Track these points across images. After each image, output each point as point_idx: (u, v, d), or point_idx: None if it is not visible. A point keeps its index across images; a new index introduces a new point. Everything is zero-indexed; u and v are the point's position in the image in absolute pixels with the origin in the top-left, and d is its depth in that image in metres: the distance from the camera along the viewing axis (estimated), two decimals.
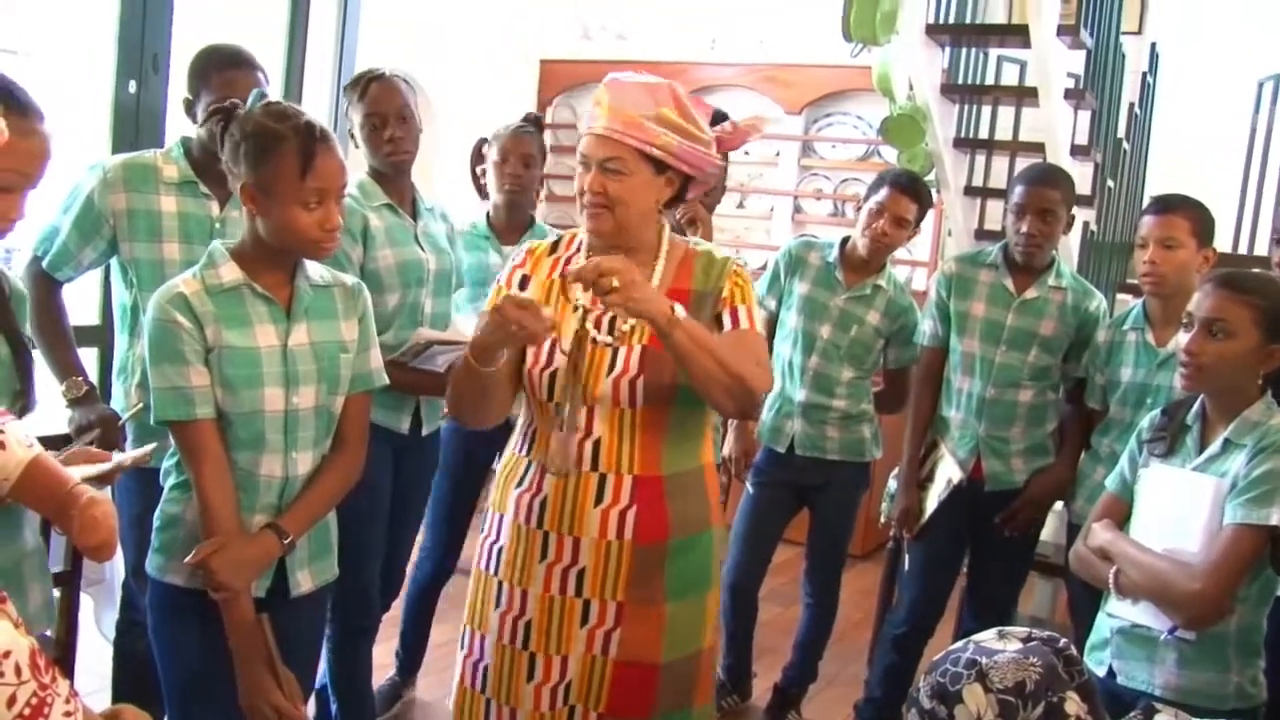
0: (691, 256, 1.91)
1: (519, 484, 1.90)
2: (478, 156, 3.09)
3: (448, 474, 3.00)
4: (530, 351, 1.86)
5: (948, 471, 2.93)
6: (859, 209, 3.08)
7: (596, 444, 1.84)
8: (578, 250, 1.94)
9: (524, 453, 1.92)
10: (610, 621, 1.86)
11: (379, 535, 2.60)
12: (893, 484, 3.10)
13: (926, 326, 3.01)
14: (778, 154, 5.92)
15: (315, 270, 1.92)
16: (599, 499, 1.83)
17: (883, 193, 2.98)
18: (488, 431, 2.00)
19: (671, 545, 1.86)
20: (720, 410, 1.82)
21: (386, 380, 2.04)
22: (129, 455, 1.85)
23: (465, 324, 2.69)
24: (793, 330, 3.13)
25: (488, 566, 1.94)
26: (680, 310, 1.71)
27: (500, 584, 1.92)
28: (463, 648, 1.96)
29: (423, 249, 2.60)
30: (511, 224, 3.11)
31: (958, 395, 2.94)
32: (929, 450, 3.02)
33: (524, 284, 1.93)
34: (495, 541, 1.94)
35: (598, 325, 1.85)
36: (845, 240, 3.12)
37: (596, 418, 1.83)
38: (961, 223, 4.20)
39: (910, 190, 2.98)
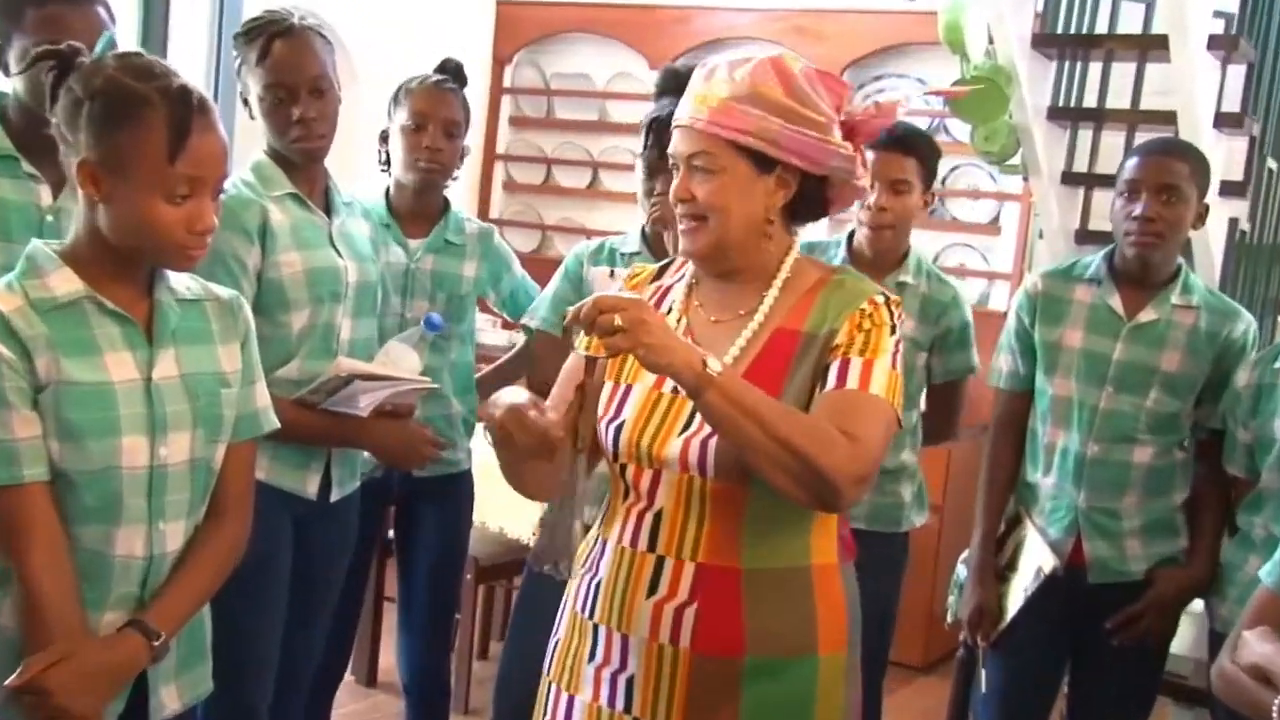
0: (822, 285, 1.94)
1: (584, 564, 1.99)
2: (383, 139, 3.11)
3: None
4: (605, 393, 1.94)
5: (1037, 557, 2.94)
6: None
7: (658, 518, 1.90)
8: (681, 279, 2.02)
9: (597, 525, 2.01)
10: None
11: (272, 635, 2.61)
12: (962, 571, 3.10)
13: (1003, 363, 3.04)
14: None
15: (179, 280, 1.93)
16: (653, 588, 1.89)
17: (867, 160, 3.00)
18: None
19: (748, 665, 1.87)
20: (791, 500, 1.81)
21: (275, 423, 2.06)
22: None
23: (399, 354, 2.72)
24: None
25: (546, 666, 2.05)
26: (715, 364, 1.73)
27: (550, 686, 2.02)
28: None
29: (339, 254, 2.62)
30: (420, 211, 3.13)
31: (1048, 454, 2.95)
32: (1010, 527, 3.04)
33: None
34: (555, 634, 2.04)
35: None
36: (851, 234, 3.16)
37: (662, 484, 1.89)
38: (1057, 221, 4.22)
39: (899, 143, 2.99)
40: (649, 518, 1.90)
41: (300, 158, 2.58)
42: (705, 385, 1.71)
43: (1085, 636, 2.95)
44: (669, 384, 1.88)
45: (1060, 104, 4.24)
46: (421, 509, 3.23)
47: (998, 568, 3.01)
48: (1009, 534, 3.03)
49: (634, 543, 1.91)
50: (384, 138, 3.14)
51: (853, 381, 1.83)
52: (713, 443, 1.83)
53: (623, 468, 1.92)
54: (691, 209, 1.88)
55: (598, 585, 1.95)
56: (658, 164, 2.56)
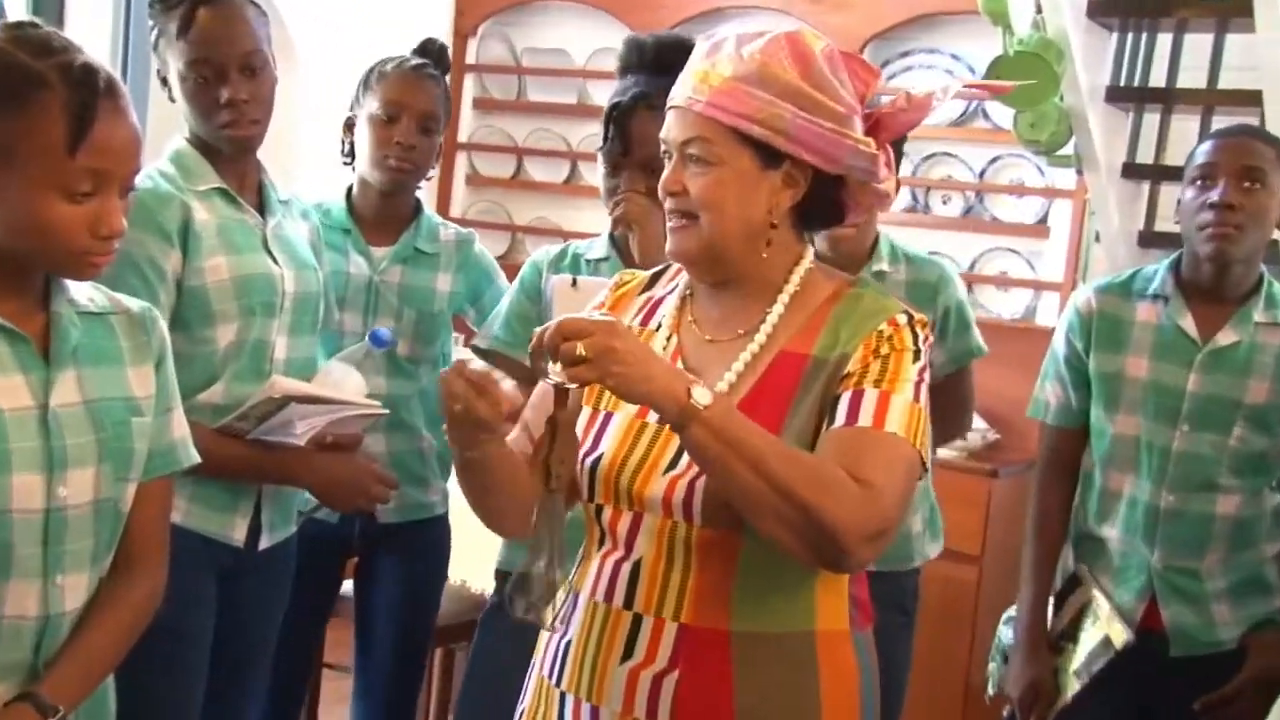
0: (835, 300, 1.93)
1: (555, 620, 1.97)
2: (348, 128, 3.10)
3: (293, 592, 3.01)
4: (583, 421, 1.93)
5: (1103, 625, 2.91)
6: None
7: (636, 569, 1.89)
8: (674, 290, 2.04)
9: (572, 576, 2.01)
10: None
11: (190, 708, 2.59)
12: (1005, 634, 3.09)
13: (1050, 394, 3.03)
14: None
15: (81, 290, 1.94)
16: (628, 652, 1.88)
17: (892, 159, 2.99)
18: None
19: None
20: (789, 554, 1.79)
21: (195, 456, 2.06)
22: None
23: (342, 375, 2.72)
24: None
25: None
26: (702, 394, 1.72)
27: None
28: None
29: (274, 260, 2.62)
30: (387, 215, 3.13)
31: (1111, 502, 2.94)
32: (1069, 586, 3.01)
33: None
34: (521, 701, 2.06)
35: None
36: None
37: (642, 530, 1.89)
38: (1117, 221, 4.22)
39: None
40: (626, 568, 1.90)
41: (230, 147, 2.58)
42: (690, 419, 1.71)
43: (1160, 717, 2.93)
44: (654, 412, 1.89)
45: (1121, 83, 4.24)
46: (385, 561, 3.23)
47: (1053, 636, 2.99)
48: (1066, 595, 3.01)
49: (608, 597, 1.91)
50: (349, 126, 3.13)
51: (866, 418, 1.81)
52: (701, 483, 1.83)
53: (598, 509, 1.93)
54: (682, 204, 1.87)
55: (567, 646, 1.95)
56: (621, 158, 2.59)
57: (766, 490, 1.72)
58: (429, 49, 3.12)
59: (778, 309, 1.92)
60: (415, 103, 3.01)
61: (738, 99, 1.83)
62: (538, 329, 1.74)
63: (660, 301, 2.04)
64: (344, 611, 3.44)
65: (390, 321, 3.05)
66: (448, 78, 3.15)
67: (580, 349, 1.67)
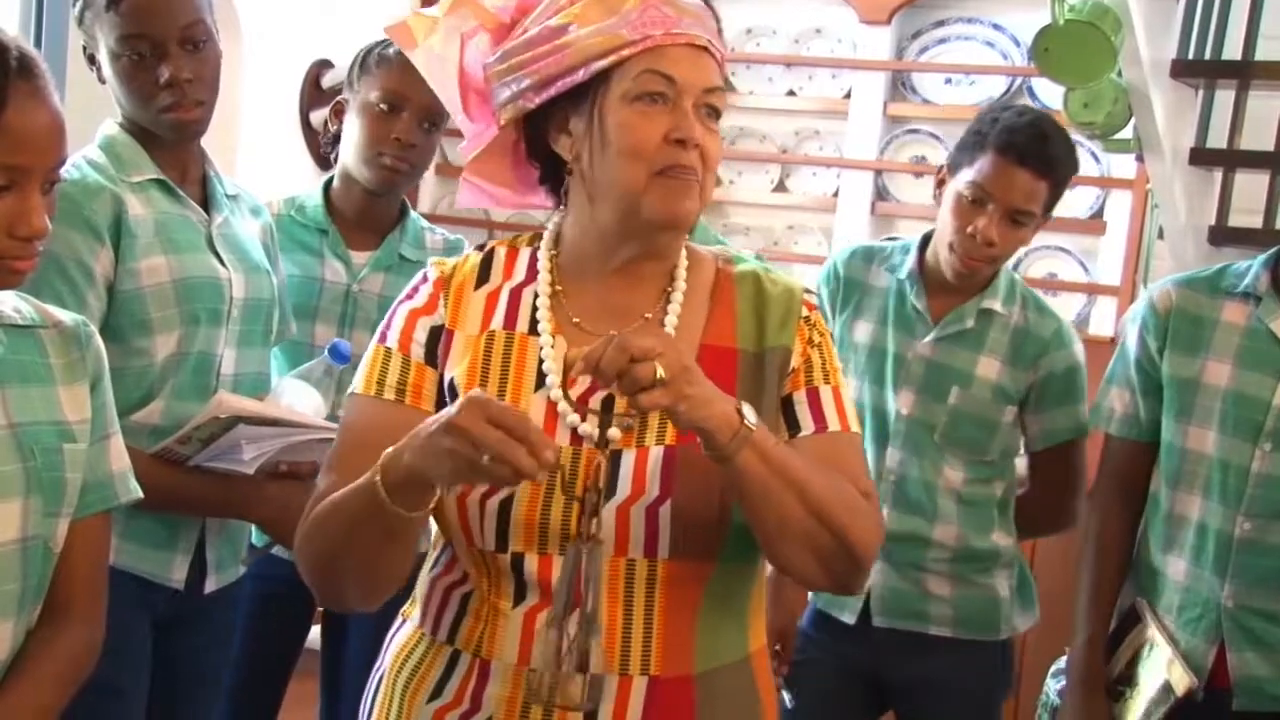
0: (729, 280, 1.97)
1: (434, 694, 1.92)
2: (337, 113, 3.09)
3: (246, 643, 3.00)
4: None
5: (1163, 669, 2.89)
6: (939, 187, 3.13)
7: (587, 624, 1.83)
8: (532, 278, 1.98)
9: (440, 636, 1.95)
10: None
11: None
12: (1053, 687, 3.13)
13: (1116, 401, 3.03)
14: (848, 94, 5.99)
15: (5, 301, 1.94)
16: None
17: (984, 163, 3.01)
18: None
19: None
20: (800, 580, 1.88)
21: (136, 491, 2.06)
22: None
23: (297, 394, 2.71)
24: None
25: None
26: (751, 414, 1.75)
27: None
28: None
29: (221, 262, 2.62)
30: (371, 217, 3.14)
31: (1179, 529, 2.92)
32: (1126, 625, 3.01)
33: (438, 342, 1.95)
34: None
35: (581, 415, 1.89)
36: (926, 239, 3.19)
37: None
38: (1184, 215, 4.20)
39: (1034, 156, 2.99)
40: (571, 625, 1.84)
41: (171, 133, 2.58)
42: (743, 444, 1.73)
43: None
44: (562, 431, 1.87)
45: (1190, 56, 4.20)
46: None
47: (1109, 680, 2.98)
48: (1123, 634, 3.00)
49: (555, 663, 1.82)
50: (337, 111, 3.12)
51: (833, 421, 1.93)
52: (665, 509, 1.83)
53: (516, 560, 1.86)
54: (694, 158, 1.87)
55: None
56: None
57: (804, 515, 1.78)
58: None
59: (679, 296, 1.95)
60: (420, 95, 2.90)
61: (720, 40, 1.90)
62: (580, 356, 1.69)
63: (516, 297, 1.98)
64: (309, 667, 3.39)
65: (367, 336, 3.03)
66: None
67: (660, 371, 1.66)
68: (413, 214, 3.19)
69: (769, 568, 1.99)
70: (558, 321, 1.93)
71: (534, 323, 1.94)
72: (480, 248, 2.02)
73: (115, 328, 2.48)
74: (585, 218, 1.93)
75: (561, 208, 1.99)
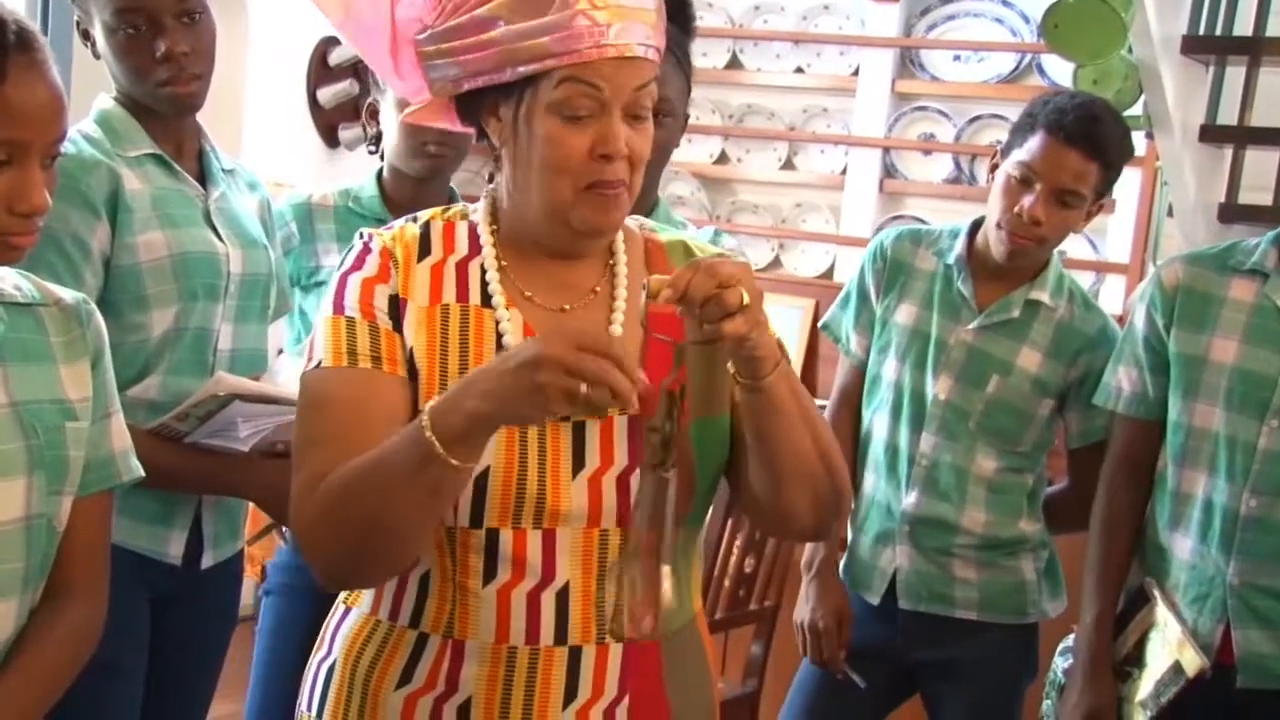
0: (659, 248, 2.03)
1: (402, 680, 1.91)
2: (371, 115, 3.21)
3: (271, 635, 3.01)
4: None
5: (1173, 649, 2.91)
6: (993, 171, 3.14)
7: (563, 596, 1.87)
8: (476, 251, 1.96)
9: (401, 620, 1.94)
10: None
11: None
12: (1060, 665, 3.10)
13: (1124, 379, 3.03)
14: (855, 71, 5.99)
15: (5, 278, 1.94)
16: (571, 692, 1.88)
17: (1034, 142, 3.02)
18: None
19: None
20: (790, 526, 1.96)
21: (139, 470, 2.06)
22: None
23: (294, 372, 2.68)
24: (889, 387, 3.19)
25: None
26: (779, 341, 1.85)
27: None
28: None
29: (218, 236, 2.63)
30: (424, 201, 3.09)
31: (1186, 507, 2.93)
32: (1134, 605, 3.02)
33: (398, 309, 1.93)
34: None
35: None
36: (976, 225, 3.19)
37: (561, 549, 1.87)
38: (1194, 192, 4.21)
39: (1083, 137, 3.00)
40: (548, 599, 1.88)
41: (168, 107, 2.58)
42: (781, 375, 1.80)
43: None
44: None
45: (1200, 31, 4.21)
46: None
47: (1116, 661, 2.99)
48: (1131, 614, 3.00)
49: (531, 637, 1.87)
50: (372, 114, 3.17)
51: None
52: (636, 478, 1.85)
53: (491, 535, 1.85)
54: (623, 171, 1.86)
55: (465, 708, 1.89)
56: None
57: (814, 455, 1.85)
58: None
59: (621, 264, 1.98)
60: None
61: (661, 34, 1.88)
62: (665, 283, 1.72)
63: (464, 271, 1.95)
64: None
65: None
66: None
67: (745, 295, 1.69)
68: (459, 199, 3.19)
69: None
70: (509, 295, 1.93)
71: (486, 296, 1.92)
72: (414, 219, 2.00)
73: (112, 303, 2.48)
74: (519, 199, 1.91)
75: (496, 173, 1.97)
